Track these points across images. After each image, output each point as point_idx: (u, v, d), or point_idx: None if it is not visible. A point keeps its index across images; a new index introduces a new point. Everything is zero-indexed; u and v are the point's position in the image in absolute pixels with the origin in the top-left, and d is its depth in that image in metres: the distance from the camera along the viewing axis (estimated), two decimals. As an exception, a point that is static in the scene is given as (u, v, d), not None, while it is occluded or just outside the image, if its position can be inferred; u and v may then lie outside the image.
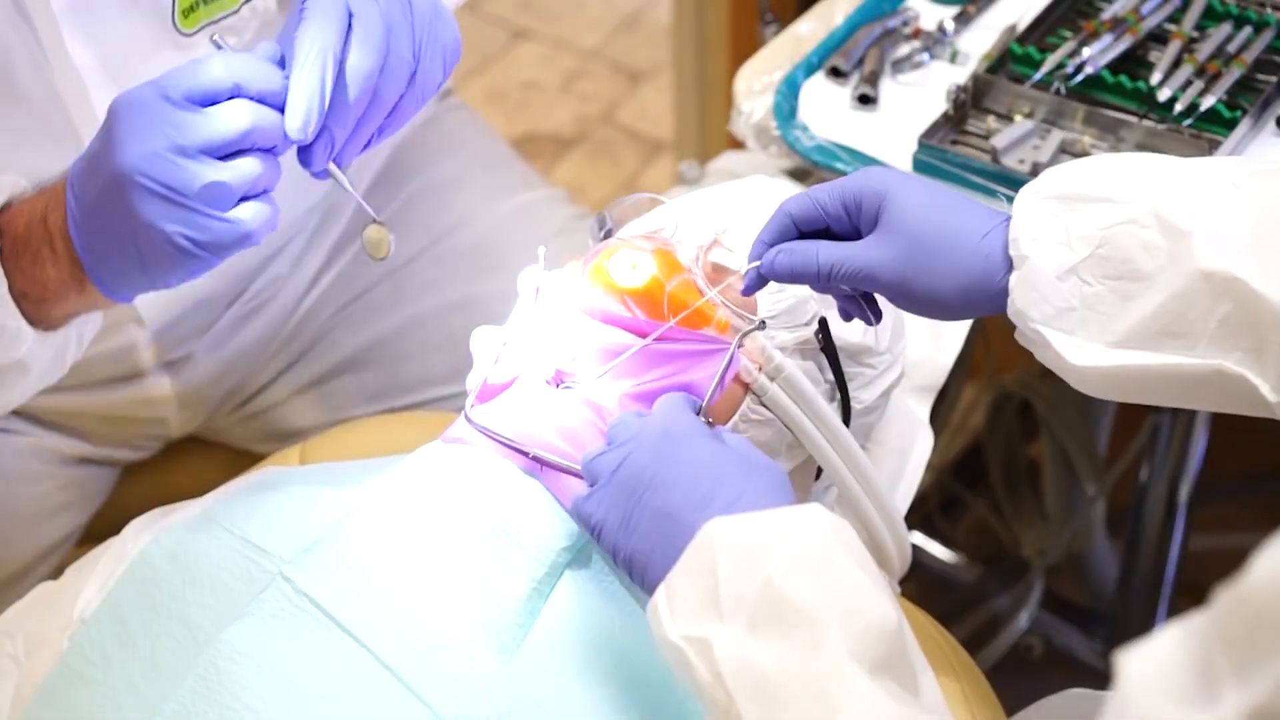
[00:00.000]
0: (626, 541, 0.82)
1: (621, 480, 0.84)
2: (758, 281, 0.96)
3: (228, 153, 0.86)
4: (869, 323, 0.97)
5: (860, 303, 0.96)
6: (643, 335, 0.97)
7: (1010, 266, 0.87)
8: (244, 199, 0.87)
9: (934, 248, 0.88)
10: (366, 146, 0.94)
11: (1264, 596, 0.52)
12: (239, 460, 1.38)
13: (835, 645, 0.71)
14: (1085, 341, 0.85)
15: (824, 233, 0.94)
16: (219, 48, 0.98)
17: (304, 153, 0.91)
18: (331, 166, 0.92)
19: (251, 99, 0.87)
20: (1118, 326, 0.84)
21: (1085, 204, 0.86)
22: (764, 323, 0.99)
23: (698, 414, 0.90)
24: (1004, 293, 0.88)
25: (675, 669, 0.76)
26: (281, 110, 0.88)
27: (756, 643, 0.72)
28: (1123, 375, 0.84)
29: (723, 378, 0.96)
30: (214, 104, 0.86)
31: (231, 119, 0.86)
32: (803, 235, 0.94)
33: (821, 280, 0.92)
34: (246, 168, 0.86)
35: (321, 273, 1.40)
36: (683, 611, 0.75)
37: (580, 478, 0.92)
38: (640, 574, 0.82)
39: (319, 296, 1.40)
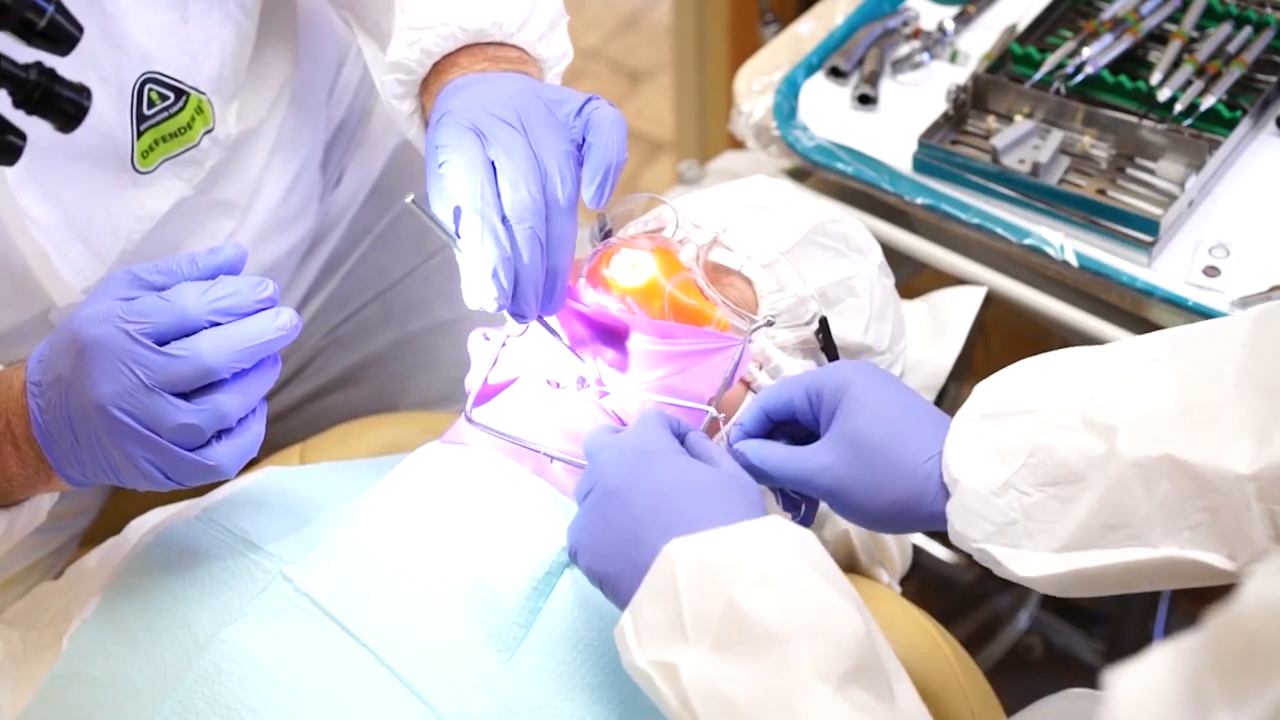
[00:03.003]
0: (598, 564, 0.82)
1: (591, 502, 0.83)
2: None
3: (203, 385, 0.84)
4: (794, 515, 0.95)
5: (792, 498, 0.95)
6: (645, 334, 0.97)
7: (949, 492, 0.87)
8: (223, 432, 0.86)
9: (874, 462, 0.87)
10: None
11: (1257, 621, 0.51)
12: (238, 462, 1.38)
13: (802, 663, 0.70)
14: (1031, 552, 0.84)
15: (793, 422, 0.94)
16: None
17: (512, 312, 0.91)
18: (545, 320, 0.93)
19: (226, 321, 0.84)
20: (1061, 531, 0.82)
21: (1011, 418, 0.85)
22: (771, 321, 0.99)
23: (678, 431, 0.88)
24: (942, 514, 0.87)
25: (646, 694, 0.75)
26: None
27: (722, 665, 0.72)
28: (1076, 578, 0.83)
29: (733, 374, 0.96)
30: (190, 334, 0.84)
31: (203, 357, 0.83)
32: (776, 425, 0.94)
33: (767, 480, 0.92)
34: (220, 407, 0.84)
35: (311, 295, 1.40)
36: (648, 636, 0.75)
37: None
38: (613, 596, 0.81)
39: (310, 318, 1.40)
